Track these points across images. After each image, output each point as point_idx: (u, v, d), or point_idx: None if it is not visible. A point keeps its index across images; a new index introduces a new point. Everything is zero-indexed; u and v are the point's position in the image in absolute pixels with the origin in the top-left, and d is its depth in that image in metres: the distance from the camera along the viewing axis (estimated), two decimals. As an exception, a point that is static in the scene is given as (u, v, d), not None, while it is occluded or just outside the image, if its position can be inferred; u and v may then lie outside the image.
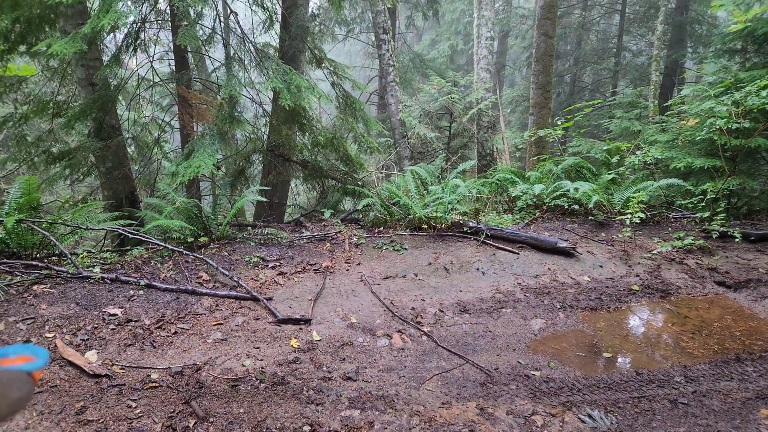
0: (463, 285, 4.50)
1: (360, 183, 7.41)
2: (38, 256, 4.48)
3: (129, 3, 4.97)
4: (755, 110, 5.42)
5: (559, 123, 8.21)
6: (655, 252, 5.14)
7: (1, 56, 5.36)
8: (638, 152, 6.60)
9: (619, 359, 3.40)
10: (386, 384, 2.94)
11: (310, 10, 9.90)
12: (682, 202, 6.18)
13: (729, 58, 7.78)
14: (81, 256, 4.63)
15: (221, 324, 3.55)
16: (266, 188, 6.33)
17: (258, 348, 3.26)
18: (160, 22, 7.43)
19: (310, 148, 7.32)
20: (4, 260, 4.08)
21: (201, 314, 3.67)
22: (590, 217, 6.14)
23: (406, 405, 2.72)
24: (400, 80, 10.77)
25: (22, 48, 5.59)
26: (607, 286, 4.52)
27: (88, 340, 3.14)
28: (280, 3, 7.74)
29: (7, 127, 6.52)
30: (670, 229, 5.82)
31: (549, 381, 3.04)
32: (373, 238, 5.55)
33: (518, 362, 3.28)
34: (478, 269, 4.80)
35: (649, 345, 3.59)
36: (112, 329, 3.31)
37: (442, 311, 4.00)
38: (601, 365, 3.30)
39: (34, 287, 3.74)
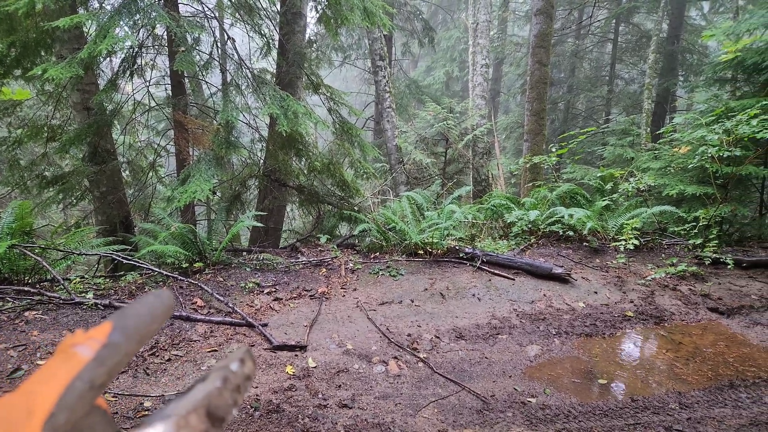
0: (459, 311, 4.49)
1: (356, 208, 7.42)
2: (30, 281, 4.45)
3: (126, 28, 5.01)
4: (746, 138, 5.50)
5: (553, 149, 8.30)
6: (648, 278, 5.16)
7: (-3, 81, 5.39)
8: (631, 179, 6.67)
9: (615, 386, 3.38)
10: (382, 411, 2.90)
11: (307, 36, 10.06)
12: (675, 228, 6.22)
13: (720, 86, 7.91)
14: (74, 281, 4.60)
15: (216, 350, 3.51)
16: (262, 213, 6.32)
17: (252, 375, 3.22)
18: (157, 47, 7.52)
19: (306, 173, 7.35)
20: (-3, 285, 4.05)
21: (195, 341, 3.63)
22: (585, 243, 6.17)
23: (401, 434, 2.68)
24: (396, 106, 10.89)
25: (18, 72, 5.60)
26: (601, 312, 4.52)
27: (79, 367, 3.10)
28: (278, 30, 7.86)
29: (1, 151, 6.51)
30: (663, 255, 5.85)
31: (545, 408, 3.01)
32: (369, 264, 5.55)
33: (514, 389, 3.26)
34: (474, 295, 4.79)
35: (643, 371, 3.57)
36: (104, 356, 3.27)
37: (438, 337, 3.98)
38: (597, 392, 3.28)
39: (26, 313, 3.70)
